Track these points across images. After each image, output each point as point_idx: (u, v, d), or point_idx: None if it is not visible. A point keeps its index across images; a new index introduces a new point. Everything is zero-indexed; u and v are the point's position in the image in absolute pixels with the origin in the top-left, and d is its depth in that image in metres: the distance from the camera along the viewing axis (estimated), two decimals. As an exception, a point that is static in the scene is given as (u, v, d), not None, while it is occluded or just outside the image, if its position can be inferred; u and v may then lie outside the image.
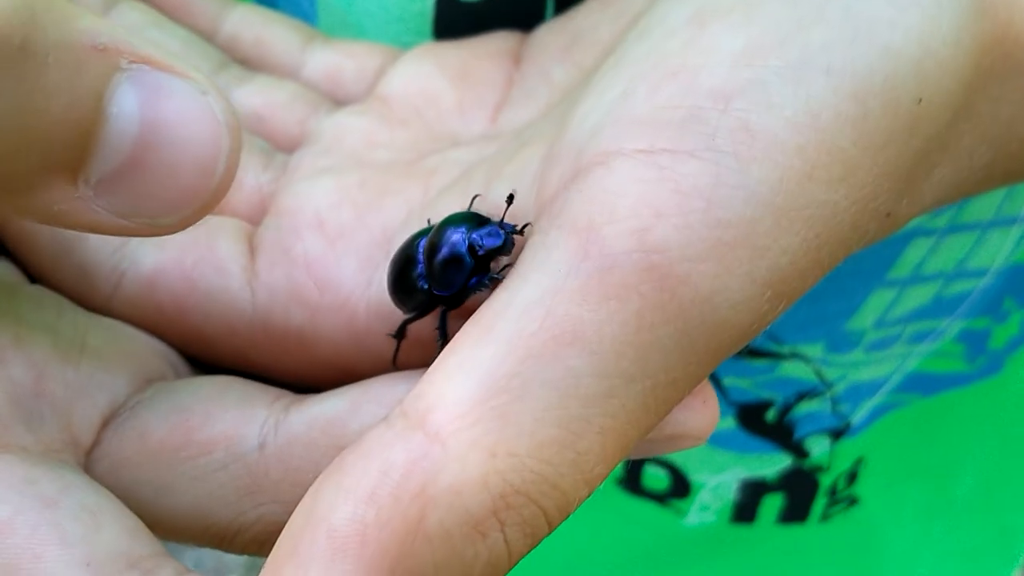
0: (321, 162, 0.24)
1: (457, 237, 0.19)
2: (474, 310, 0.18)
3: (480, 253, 0.19)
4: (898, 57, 0.18)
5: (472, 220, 0.20)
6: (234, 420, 0.20)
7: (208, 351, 0.22)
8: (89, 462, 0.20)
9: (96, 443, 0.20)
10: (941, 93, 0.18)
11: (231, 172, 0.17)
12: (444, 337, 0.20)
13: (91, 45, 0.16)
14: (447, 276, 0.19)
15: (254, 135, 0.25)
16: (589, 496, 0.17)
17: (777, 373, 0.35)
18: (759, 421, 0.36)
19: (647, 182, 0.17)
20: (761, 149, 0.17)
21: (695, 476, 0.38)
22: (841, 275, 0.32)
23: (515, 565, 0.16)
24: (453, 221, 0.20)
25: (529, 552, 0.17)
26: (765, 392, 0.35)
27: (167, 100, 0.17)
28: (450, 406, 0.16)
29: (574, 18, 0.25)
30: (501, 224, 0.20)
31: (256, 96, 0.25)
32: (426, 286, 0.20)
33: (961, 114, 0.19)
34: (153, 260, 0.22)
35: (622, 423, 0.16)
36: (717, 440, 0.37)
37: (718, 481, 0.38)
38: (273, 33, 0.27)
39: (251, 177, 0.24)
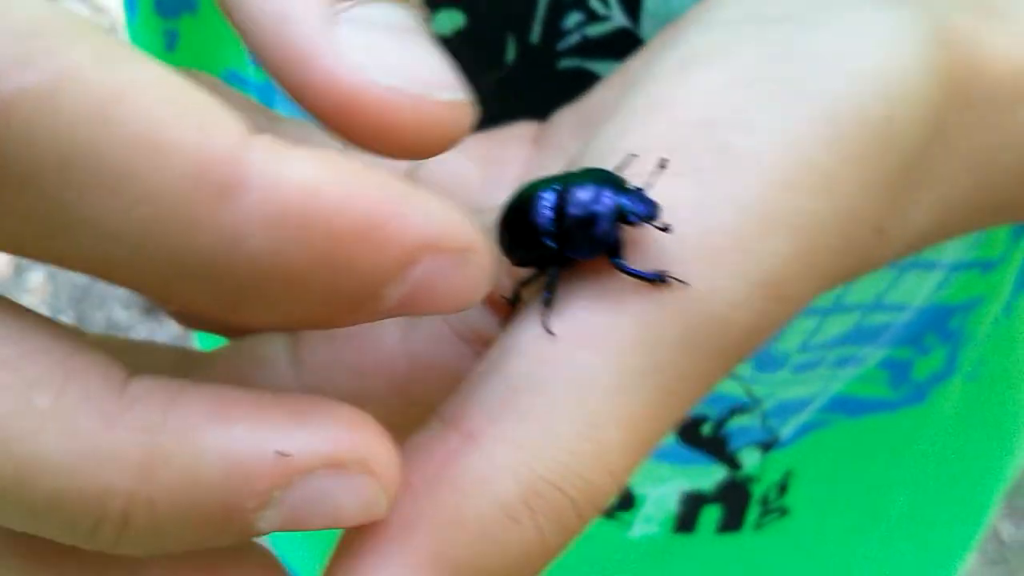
0: None
1: (606, 199, 0.19)
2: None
3: (630, 220, 0.19)
4: (864, 82, 0.19)
5: (613, 180, 0.19)
6: None
7: None
8: None
9: None
10: (908, 113, 0.20)
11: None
12: (552, 298, 0.19)
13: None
14: (586, 238, 0.19)
15: None
16: (617, 490, 0.18)
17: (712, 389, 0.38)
18: (696, 435, 0.40)
19: None
20: (742, 166, 0.19)
21: (638, 489, 0.42)
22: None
23: (554, 558, 0.18)
24: (594, 177, 0.19)
25: (566, 546, 0.18)
26: (701, 407, 0.39)
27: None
28: (478, 406, 0.18)
29: (588, 99, 0.27)
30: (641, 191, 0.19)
31: None
32: (553, 244, 0.19)
33: (935, 138, 0.21)
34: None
35: (640, 416, 0.18)
36: (659, 454, 0.40)
37: (660, 493, 0.42)
38: (315, 138, 0.30)
39: None
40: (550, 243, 0.19)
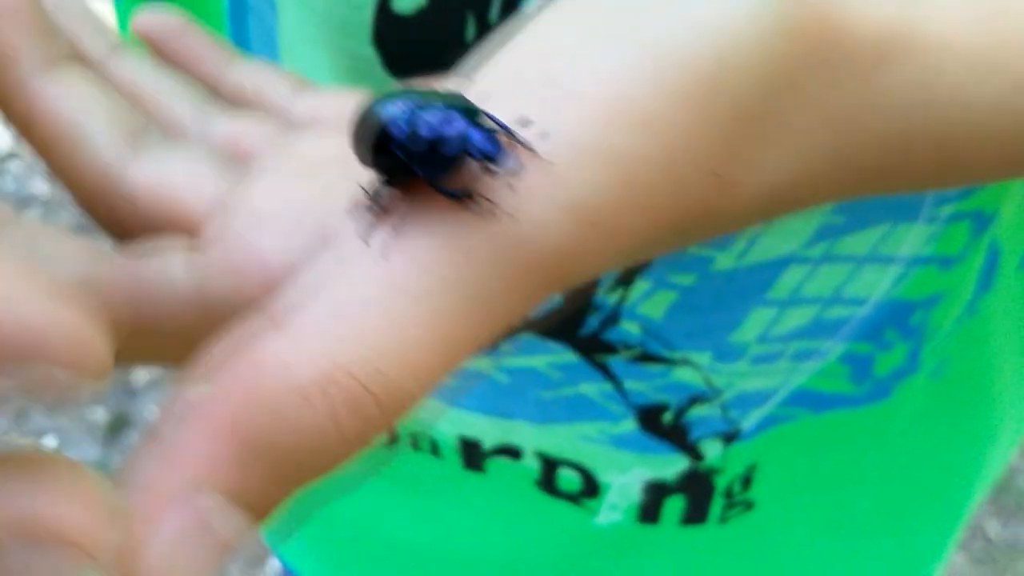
0: (269, 163, 0.28)
1: (459, 126, 0.19)
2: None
3: (472, 154, 0.19)
4: (694, 28, 0.20)
5: (475, 113, 0.20)
6: None
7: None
8: None
9: None
10: (742, 61, 0.20)
11: None
12: (381, 208, 0.20)
13: None
14: (429, 157, 0.19)
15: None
16: (423, 393, 0.19)
17: (671, 378, 0.39)
18: (657, 423, 0.41)
19: None
20: (565, 97, 0.20)
21: (603, 476, 0.43)
22: (723, 292, 0.37)
23: (356, 450, 0.18)
24: (457, 105, 0.20)
25: (369, 440, 0.18)
26: (661, 395, 0.40)
27: None
28: (290, 295, 0.19)
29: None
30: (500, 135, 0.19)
31: (236, 124, 0.29)
32: (403, 157, 0.20)
33: (786, 92, 0.21)
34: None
35: (447, 324, 0.19)
36: (620, 441, 0.41)
37: (623, 481, 0.43)
38: (269, 82, 0.31)
39: (211, 186, 0.27)
40: (396, 152, 0.20)
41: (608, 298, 0.37)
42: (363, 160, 0.21)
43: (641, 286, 0.37)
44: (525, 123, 0.20)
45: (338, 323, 0.18)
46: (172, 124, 0.28)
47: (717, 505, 0.44)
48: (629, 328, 0.38)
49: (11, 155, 1.67)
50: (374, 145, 0.20)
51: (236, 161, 0.27)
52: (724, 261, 0.36)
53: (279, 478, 0.18)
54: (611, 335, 0.38)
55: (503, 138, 0.19)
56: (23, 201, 1.62)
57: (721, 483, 0.43)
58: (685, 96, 0.20)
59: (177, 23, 0.31)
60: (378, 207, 0.20)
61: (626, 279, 0.37)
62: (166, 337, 0.23)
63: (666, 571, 0.46)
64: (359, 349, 0.18)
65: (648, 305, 0.37)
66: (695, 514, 0.44)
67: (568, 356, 0.39)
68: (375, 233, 0.20)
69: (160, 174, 0.25)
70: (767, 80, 0.21)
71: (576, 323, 0.38)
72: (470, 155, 0.19)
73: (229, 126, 0.29)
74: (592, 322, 0.38)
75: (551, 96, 0.20)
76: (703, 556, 0.46)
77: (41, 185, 1.63)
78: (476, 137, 0.19)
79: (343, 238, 0.20)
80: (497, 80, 0.21)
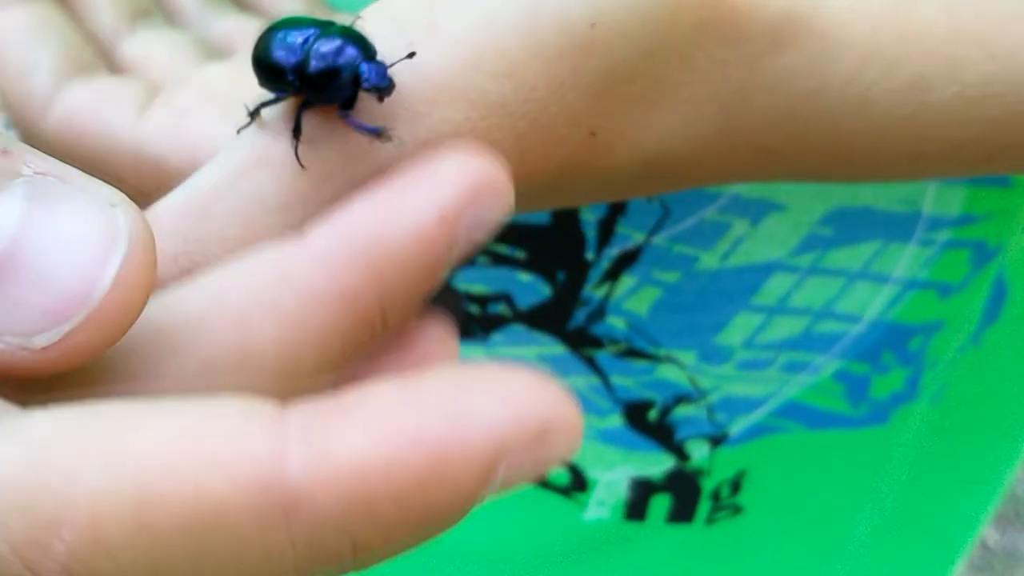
0: (240, 56, 0.30)
1: (351, 54, 0.21)
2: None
3: (363, 86, 0.20)
4: None
5: (365, 47, 0.21)
6: None
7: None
8: None
9: None
10: (617, 25, 0.21)
11: (129, 285, 0.16)
12: (298, 131, 0.21)
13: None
14: (324, 85, 0.21)
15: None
16: None
17: (656, 375, 0.41)
18: (642, 420, 0.42)
19: None
20: (439, 40, 0.21)
21: (590, 472, 0.44)
22: (708, 292, 0.39)
23: None
24: (350, 35, 0.21)
25: None
26: (647, 392, 0.41)
27: (58, 204, 0.16)
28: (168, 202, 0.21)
29: None
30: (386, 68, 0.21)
31: (234, 22, 0.32)
32: (295, 81, 0.21)
33: (669, 59, 0.22)
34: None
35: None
36: (607, 437, 0.43)
37: (610, 478, 0.44)
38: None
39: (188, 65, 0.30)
40: (292, 79, 0.21)
41: (595, 293, 0.39)
42: (260, 82, 0.22)
43: (627, 281, 0.38)
44: (412, 55, 0.21)
45: (202, 226, 0.21)
46: (178, 14, 0.32)
47: (704, 506, 0.45)
48: (615, 323, 0.39)
49: None
50: (269, 70, 0.22)
51: (225, 54, 0.30)
52: (708, 260, 0.38)
53: None
54: (598, 329, 0.40)
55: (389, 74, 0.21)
56: None
57: (708, 485, 0.44)
58: (557, 51, 0.21)
59: None
60: (295, 130, 0.21)
61: (612, 274, 0.38)
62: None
63: (652, 569, 0.47)
64: (216, 249, 0.20)
65: (633, 301, 0.39)
66: (681, 513, 0.45)
67: (557, 348, 0.40)
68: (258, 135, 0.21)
69: (146, 51, 0.29)
70: (646, 46, 0.22)
71: (564, 316, 0.40)
72: (361, 86, 0.20)
73: (227, 23, 0.32)
74: (579, 316, 0.39)
75: (429, 38, 0.21)
76: (689, 555, 0.46)
77: None
78: (366, 69, 0.20)
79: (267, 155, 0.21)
80: (383, 21, 0.22)
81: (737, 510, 0.45)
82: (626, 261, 0.38)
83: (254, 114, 0.22)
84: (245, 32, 0.31)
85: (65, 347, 0.16)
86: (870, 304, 0.40)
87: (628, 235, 0.37)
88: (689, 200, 0.36)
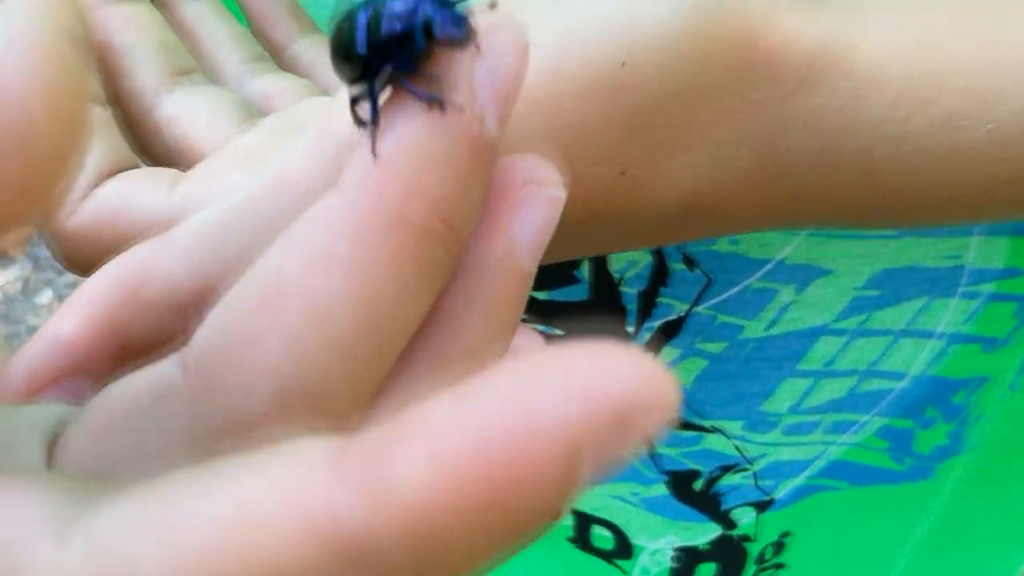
0: (270, 121, 0.28)
1: (425, 7, 0.17)
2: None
3: (435, 35, 0.17)
4: (604, 22, 0.21)
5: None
6: None
7: None
8: None
9: None
10: (649, 63, 0.21)
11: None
12: (375, 118, 0.18)
13: None
14: (394, 49, 0.17)
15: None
16: None
17: (702, 445, 0.40)
18: (688, 490, 0.41)
19: None
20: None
21: (636, 539, 0.43)
22: (753, 360, 0.38)
23: None
24: None
25: None
26: (693, 462, 0.40)
27: None
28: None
29: None
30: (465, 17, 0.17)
31: (274, 84, 0.30)
32: (364, 53, 0.18)
33: (701, 103, 0.22)
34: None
35: None
36: (653, 505, 0.42)
37: (656, 546, 0.43)
38: (324, 61, 0.32)
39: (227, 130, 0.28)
40: (366, 58, 0.18)
41: (639, 364, 0.38)
42: (339, 75, 0.19)
43: (670, 353, 0.37)
44: (493, 5, 0.18)
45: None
46: (218, 71, 0.30)
47: (749, 570, 0.44)
48: None
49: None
50: (344, 53, 0.19)
51: (263, 113, 0.28)
52: (753, 329, 0.37)
53: None
54: None
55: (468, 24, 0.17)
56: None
57: (754, 550, 0.43)
58: (584, 93, 0.21)
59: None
60: (374, 118, 0.18)
61: (654, 346, 0.37)
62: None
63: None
64: None
65: (678, 372, 0.38)
66: None
67: None
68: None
69: (186, 110, 0.27)
70: (677, 86, 0.21)
71: None
72: (434, 37, 0.17)
73: (266, 84, 0.30)
74: None
75: None
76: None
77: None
78: (440, 17, 0.17)
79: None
80: None
81: (779, 567, 0.44)
82: (669, 332, 0.37)
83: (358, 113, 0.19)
84: (283, 92, 0.30)
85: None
86: (915, 360, 0.40)
87: (671, 305, 0.36)
88: (732, 268, 0.36)
